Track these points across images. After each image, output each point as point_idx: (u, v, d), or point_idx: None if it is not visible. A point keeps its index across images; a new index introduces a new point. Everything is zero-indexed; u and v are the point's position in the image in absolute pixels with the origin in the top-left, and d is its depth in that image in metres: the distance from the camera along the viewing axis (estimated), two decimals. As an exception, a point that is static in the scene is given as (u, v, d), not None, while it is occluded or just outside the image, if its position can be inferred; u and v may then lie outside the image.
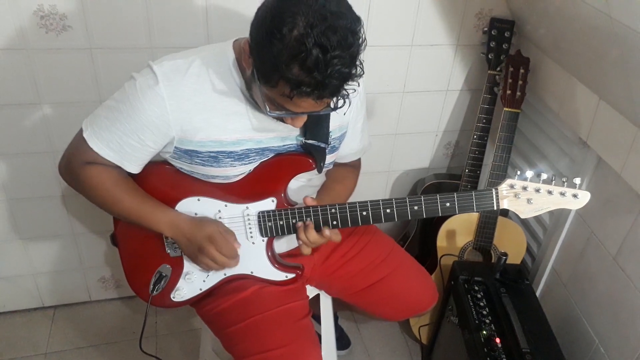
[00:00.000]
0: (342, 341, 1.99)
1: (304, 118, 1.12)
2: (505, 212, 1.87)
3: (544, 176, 1.18)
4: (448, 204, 1.19)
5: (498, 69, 1.78)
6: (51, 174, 1.75)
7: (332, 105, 1.05)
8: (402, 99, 1.93)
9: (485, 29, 1.81)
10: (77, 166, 1.19)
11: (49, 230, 1.89)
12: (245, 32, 1.20)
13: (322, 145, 1.24)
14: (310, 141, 1.23)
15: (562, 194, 1.17)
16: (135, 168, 1.21)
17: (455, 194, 1.19)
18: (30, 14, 1.46)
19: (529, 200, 1.18)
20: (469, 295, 1.59)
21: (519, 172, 1.19)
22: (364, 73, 1.01)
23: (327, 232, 1.22)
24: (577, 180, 1.16)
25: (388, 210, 1.21)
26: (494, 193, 1.19)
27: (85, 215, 1.89)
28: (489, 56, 1.80)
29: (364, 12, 1.67)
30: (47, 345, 1.95)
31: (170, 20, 1.56)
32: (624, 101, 1.36)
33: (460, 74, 1.93)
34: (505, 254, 1.60)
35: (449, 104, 2.00)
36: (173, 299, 1.33)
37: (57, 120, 1.65)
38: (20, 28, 1.47)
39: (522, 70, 1.70)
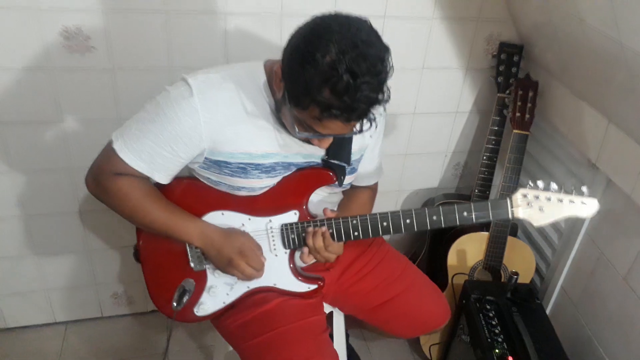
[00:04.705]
0: (352, 360, 1.99)
1: (330, 139, 1.15)
2: (514, 232, 1.89)
3: (554, 185, 1.23)
4: (465, 213, 1.23)
5: (507, 92, 1.82)
6: (69, 190, 1.78)
7: (357, 128, 1.09)
8: (412, 120, 1.97)
9: (495, 53, 1.86)
10: (107, 177, 1.20)
11: (63, 246, 1.91)
12: (263, 55, 1.25)
13: (343, 164, 1.28)
14: (332, 161, 1.27)
15: (572, 201, 1.22)
16: (164, 178, 1.22)
17: (471, 203, 1.23)
18: (55, 35, 1.50)
19: (541, 209, 1.23)
20: (480, 314, 1.61)
21: (530, 183, 1.23)
22: (390, 99, 1.05)
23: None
24: (585, 189, 1.22)
25: (408, 221, 1.24)
26: (508, 202, 1.23)
27: (100, 231, 1.91)
28: (498, 79, 1.84)
29: (377, 36, 1.72)
30: (59, 361, 1.96)
31: (190, 42, 1.61)
32: (634, 124, 1.39)
33: (470, 97, 1.97)
34: (517, 274, 1.62)
35: (459, 126, 2.04)
36: (197, 314, 1.35)
37: (76, 138, 1.69)
38: (45, 48, 1.52)
39: (531, 94, 1.74)
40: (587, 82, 1.56)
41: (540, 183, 1.22)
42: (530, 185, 1.23)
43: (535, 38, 1.77)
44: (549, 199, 1.22)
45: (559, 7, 1.49)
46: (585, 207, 1.22)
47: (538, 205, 1.23)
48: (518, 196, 1.23)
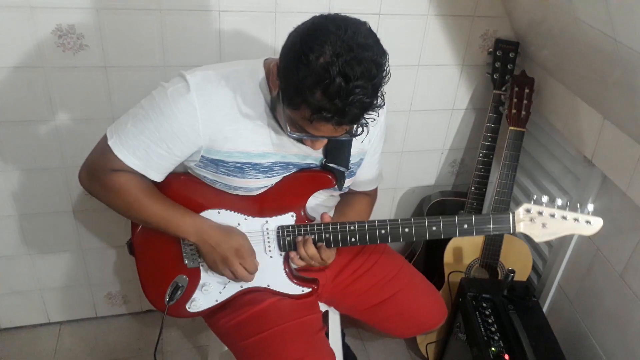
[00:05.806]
0: (349, 359, 1.98)
1: (324, 141, 1.14)
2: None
3: (559, 202, 1.20)
4: (466, 226, 1.21)
5: (503, 88, 1.82)
6: (62, 189, 1.77)
7: (352, 132, 1.08)
8: (408, 117, 1.96)
9: (491, 50, 1.86)
10: (103, 174, 1.18)
11: (58, 246, 1.90)
12: (257, 53, 1.24)
13: (342, 169, 1.26)
14: (330, 164, 1.25)
15: (576, 219, 1.19)
16: (159, 176, 1.21)
17: (473, 216, 1.21)
18: (48, 33, 1.49)
19: (543, 225, 1.20)
20: (477, 312, 1.60)
21: (535, 197, 1.21)
22: (384, 104, 1.04)
23: (323, 249, 1.26)
24: (591, 207, 1.19)
25: (406, 230, 1.23)
26: (511, 217, 1.21)
27: (94, 231, 1.90)
28: (494, 76, 1.84)
29: (372, 33, 1.71)
30: (53, 362, 1.95)
31: (184, 40, 1.60)
32: (629, 121, 1.39)
33: (466, 94, 1.97)
34: (513, 271, 1.62)
35: (455, 123, 2.03)
36: (189, 310, 1.34)
37: (69, 137, 1.68)
38: (38, 46, 1.50)
39: (527, 90, 1.74)
40: (583, 79, 1.56)
41: (544, 198, 1.20)
42: (534, 200, 1.20)
43: (531, 35, 1.77)
44: (552, 216, 1.20)
45: (554, 4, 1.48)
46: (590, 226, 1.19)
47: (541, 222, 1.20)
48: (521, 211, 1.21)
